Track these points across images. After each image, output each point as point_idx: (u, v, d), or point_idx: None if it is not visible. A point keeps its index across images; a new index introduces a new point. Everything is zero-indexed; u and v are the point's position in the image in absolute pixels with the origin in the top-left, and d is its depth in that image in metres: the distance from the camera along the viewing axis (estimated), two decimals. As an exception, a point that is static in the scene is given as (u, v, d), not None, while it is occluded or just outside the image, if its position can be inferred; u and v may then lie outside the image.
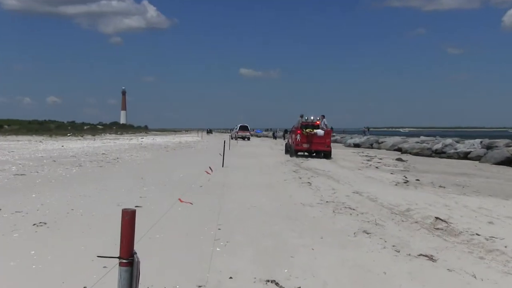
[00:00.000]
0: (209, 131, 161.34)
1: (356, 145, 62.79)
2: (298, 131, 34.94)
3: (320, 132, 35.09)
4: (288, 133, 46.45)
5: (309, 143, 34.83)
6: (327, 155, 35.17)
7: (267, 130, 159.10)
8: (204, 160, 27.10)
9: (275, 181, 18.75)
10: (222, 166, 24.47)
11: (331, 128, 37.25)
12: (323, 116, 36.71)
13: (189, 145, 51.82)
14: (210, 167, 21.94)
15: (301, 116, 36.40)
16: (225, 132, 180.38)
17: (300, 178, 19.74)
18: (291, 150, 35.86)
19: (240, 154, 35.81)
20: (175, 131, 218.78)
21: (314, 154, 35.47)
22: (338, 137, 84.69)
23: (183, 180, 17.81)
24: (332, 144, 37.76)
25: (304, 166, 25.70)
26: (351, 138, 73.01)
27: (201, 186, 16.25)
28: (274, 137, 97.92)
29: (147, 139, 73.51)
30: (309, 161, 30.16)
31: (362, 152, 46.41)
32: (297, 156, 35.09)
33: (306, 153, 35.64)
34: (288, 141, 40.27)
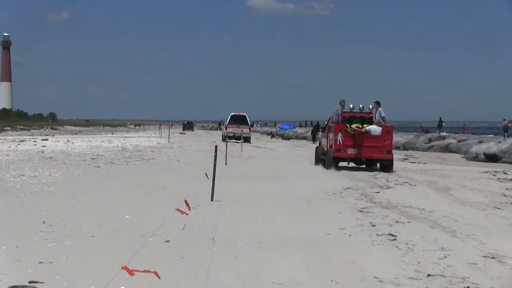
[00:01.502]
0: (187, 126, 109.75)
1: (491, 157, 34.88)
2: (340, 127, 23.54)
3: (375, 129, 23.62)
4: (321, 130, 31.89)
5: (358, 147, 23.45)
6: (386, 166, 23.58)
7: (302, 125, 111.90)
8: (174, 185, 16.50)
9: (321, 230, 10.38)
10: (212, 198, 13.41)
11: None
12: (378, 104, 24.56)
13: (143, 153, 30.93)
14: (186, 201, 11.70)
15: (342, 104, 25.01)
16: (214, 128, 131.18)
17: (374, 225, 10.95)
18: (327, 158, 24.33)
19: (247, 173, 22.10)
20: (114, 125, 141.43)
21: (365, 166, 24.32)
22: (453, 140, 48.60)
23: (131, 227, 10.09)
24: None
25: (381, 199, 14.77)
26: (479, 142, 41.12)
27: (167, 241, 9.02)
28: (314, 139, 58.79)
29: (56, 142, 44.01)
30: (391, 190, 17.05)
31: (500, 172, 24.37)
32: (338, 167, 23.59)
33: (351, 164, 24.25)
34: (320, 143, 28.52)
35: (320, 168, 24.67)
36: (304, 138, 71.18)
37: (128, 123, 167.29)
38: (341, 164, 23.92)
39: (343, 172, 22.51)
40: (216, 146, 14.91)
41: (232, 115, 55.52)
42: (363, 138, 23.29)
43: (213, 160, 14.38)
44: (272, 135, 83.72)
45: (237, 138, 50.98)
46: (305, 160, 28.59)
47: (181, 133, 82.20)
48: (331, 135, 24.09)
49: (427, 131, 63.71)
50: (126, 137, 61.50)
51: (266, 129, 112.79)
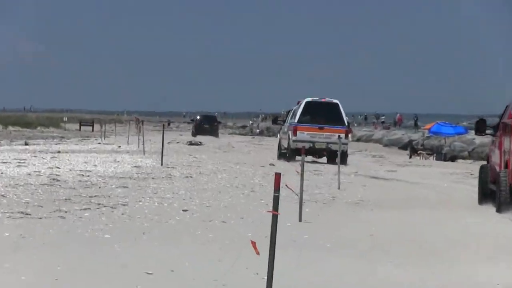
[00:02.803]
0: (204, 125, 68.17)
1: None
2: None
3: None
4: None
5: None
6: None
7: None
8: (174, 272, 8.34)
9: None
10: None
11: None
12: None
13: (101, 192, 16.59)
14: None
15: None
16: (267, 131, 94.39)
17: None
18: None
19: (349, 244, 11.05)
20: (37, 123, 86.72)
21: None
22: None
23: None
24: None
25: None
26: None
27: None
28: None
29: None
30: None
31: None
32: None
33: None
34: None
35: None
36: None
37: (65, 119, 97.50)
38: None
39: None
40: (278, 177, 6.39)
41: (307, 103, 32.33)
42: None
43: (271, 212, 6.47)
44: (414, 149, 45.12)
45: (319, 153, 31.56)
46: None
47: (190, 144, 46.23)
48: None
49: None
50: (60, 151, 33.23)
51: (381, 133, 78.68)
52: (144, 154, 31.92)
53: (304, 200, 13.98)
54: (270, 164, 28.05)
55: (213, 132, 66.11)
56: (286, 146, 32.93)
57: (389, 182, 23.82)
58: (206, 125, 67.57)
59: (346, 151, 31.00)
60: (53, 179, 19.06)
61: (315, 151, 31.12)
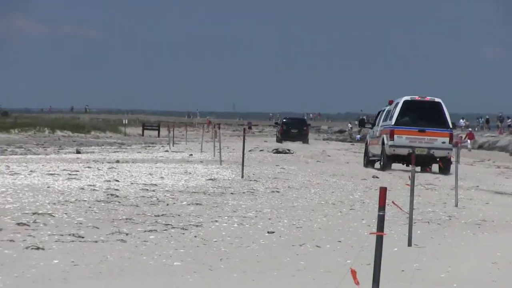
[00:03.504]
0: (287, 129, 71.41)
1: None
2: None
3: None
4: None
5: None
6: None
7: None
8: None
9: None
10: None
11: None
12: None
13: (168, 210, 17.08)
14: None
15: None
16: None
17: None
18: None
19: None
20: (90, 127, 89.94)
21: None
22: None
23: None
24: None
25: None
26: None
27: None
28: None
29: None
30: None
31: None
32: None
33: None
34: None
35: None
36: None
37: (125, 121, 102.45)
38: None
39: None
40: (383, 192, 6.99)
41: (405, 102, 33.59)
42: None
43: (375, 233, 7.09)
44: None
45: (416, 159, 31.01)
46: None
47: (276, 152, 46.76)
48: None
49: None
50: (119, 161, 34.53)
51: (508, 139, 78.64)
52: (221, 164, 32.91)
53: (414, 220, 14.28)
54: (373, 177, 28.45)
55: (302, 138, 69.47)
56: (376, 152, 34.89)
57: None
58: (294, 130, 70.41)
59: (450, 158, 32.65)
60: (111, 195, 19.70)
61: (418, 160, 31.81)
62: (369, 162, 36.24)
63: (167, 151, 47.59)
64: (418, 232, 14.43)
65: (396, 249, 12.60)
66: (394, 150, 32.38)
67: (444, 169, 31.54)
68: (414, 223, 13.95)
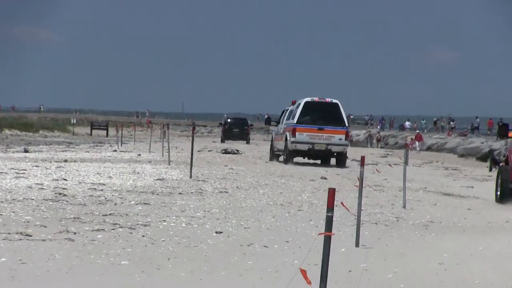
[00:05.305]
0: (233, 130, 73.17)
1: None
2: None
3: None
4: None
5: None
6: None
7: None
8: None
9: None
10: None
11: None
12: None
13: (117, 209, 16.88)
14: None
15: None
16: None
17: None
18: None
19: None
20: (38, 125, 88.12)
21: None
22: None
23: None
24: None
25: None
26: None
27: None
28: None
29: None
30: None
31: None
32: None
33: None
34: None
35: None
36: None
37: (73, 121, 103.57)
38: None
39: None
40: (332, 192, 6.98)
41: (306, 103, 36.91)
42: None
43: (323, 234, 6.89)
44: (495, 161, 43.60)
45: (316, 154, 37.12)
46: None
47: (225, 152, 46.71)
48: None
49: None
50: (67, 160, 34.06)
51: (456, 140, 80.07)
52: (169, 164, 32.63)
53: (362, 221, 14.28)
54: (321, 178, 28.38)
55: (244, 137, 70.87)
56: (280, 147, 38.74)
57: (465, 200, 24.02)
58: (236, 129, 71.80)
59: (346, 153, 37.06)
60: (59, 194, 19.50)
61: (314, 153, 36.64)
62: (274, 156, 40.02)
63: (115, 150, 46.95)
64: (366, 233, 14.43)
65: (343, 249, 12.66)
66: (296, 145, 35.96)
67: (340, 162, 36.36)
68: (362, 224, 13.93)
